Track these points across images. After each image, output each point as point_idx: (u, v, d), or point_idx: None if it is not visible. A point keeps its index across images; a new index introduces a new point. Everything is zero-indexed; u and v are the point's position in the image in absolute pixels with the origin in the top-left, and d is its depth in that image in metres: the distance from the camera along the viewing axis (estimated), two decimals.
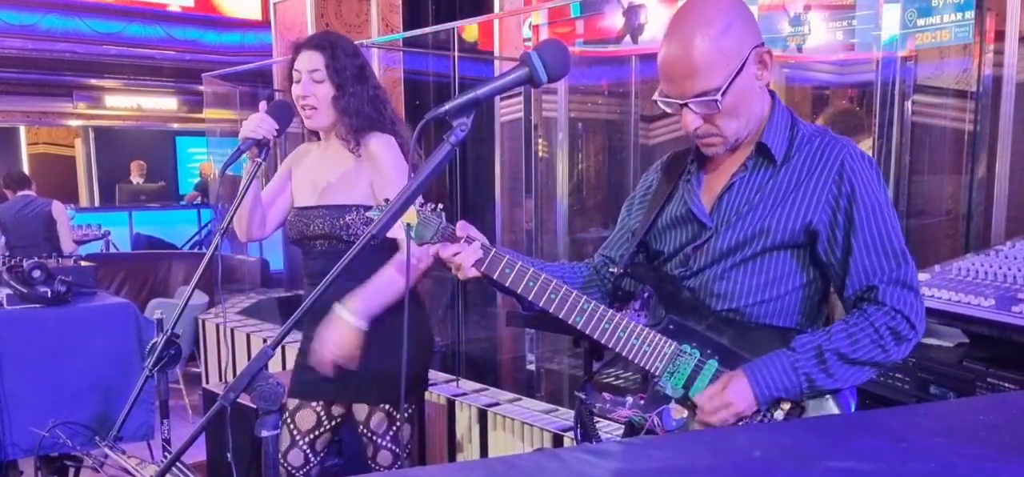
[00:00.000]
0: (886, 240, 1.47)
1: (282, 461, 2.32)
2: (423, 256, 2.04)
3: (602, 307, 1.55)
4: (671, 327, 1.56)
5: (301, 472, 2.33)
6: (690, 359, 1.53)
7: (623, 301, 1.72)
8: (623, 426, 1.64)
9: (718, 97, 1.44)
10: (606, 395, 1.60)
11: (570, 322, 1.55)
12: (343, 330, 2.08)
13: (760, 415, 1.49)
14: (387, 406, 2.23)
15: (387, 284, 2.13)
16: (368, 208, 2.17)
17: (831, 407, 1.50)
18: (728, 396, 1.47)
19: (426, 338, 2.37)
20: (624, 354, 1.55)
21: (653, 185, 1.74)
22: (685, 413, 1.52)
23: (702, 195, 1.60)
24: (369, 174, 2.20)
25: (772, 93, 1.56)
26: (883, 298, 1.46)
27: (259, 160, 2.11)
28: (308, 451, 2.31)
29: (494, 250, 1.56)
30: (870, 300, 1.47)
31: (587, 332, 1.54)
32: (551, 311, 1.55)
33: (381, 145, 2.20)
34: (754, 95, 1.51)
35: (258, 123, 2.11)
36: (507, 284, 1.56)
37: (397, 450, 2.26)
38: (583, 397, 1.62)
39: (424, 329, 2.35)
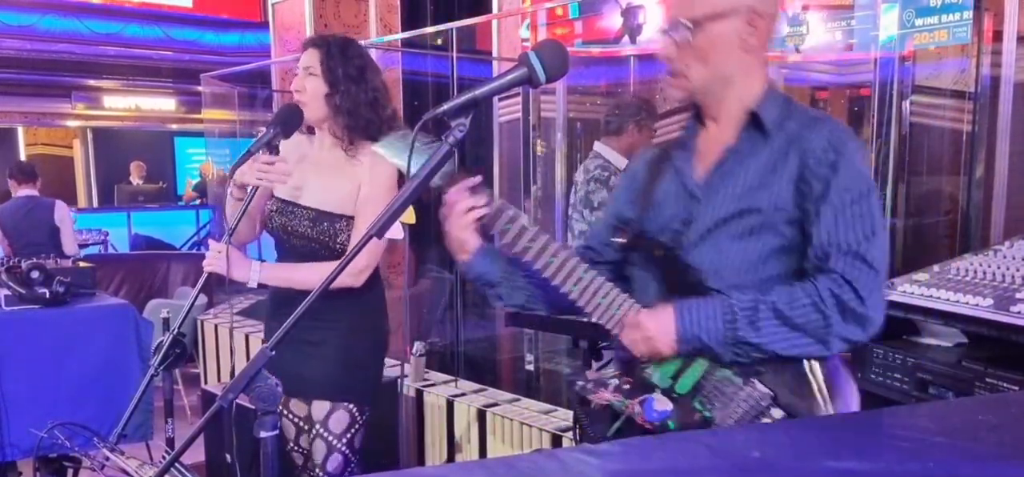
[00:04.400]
0: (854, 212, 1.39)
1: (296, 448, 2.34)
2: (372, 261, 2.18)
3: (600, 279, 1.48)
4: None
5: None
6: None
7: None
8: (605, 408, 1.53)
9: (690, 25, 1.43)
10: (589, 374, 1.53)
11: (564, 290, 1.48)
12: (243, 267, 2.15)
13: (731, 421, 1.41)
14: (351, 405, 2.22)
15: (304, 272, 2.20)
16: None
17: (819, 406, 1.43)
18: (649, 325, 1.43)
19: (385, 333, 2.36)
20: (613, 332, 1.49)
21: (639, 173, 1.69)
22: (669, 406, 1.44)
23: (695, 168, 1.56)
24: (361, 181, 2.19)
25: (770, 81, 1.53)
26: (834, 265, 1.38)
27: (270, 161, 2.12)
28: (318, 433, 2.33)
29: (499, 201, 1.50)
30: (822, 269, 1.40)
31: (581, 304, 1.48)
32: (546, 275, 1.48)
33: (383, 160, 2.20)
34: (732, 55, 1.47)
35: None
36: (506, 239, 1.49)
37: (350, 455, 2.24)
38: (570, 376, 1.58)
39: (383, 323, 2.35)
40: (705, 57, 1.46)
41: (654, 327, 1.43)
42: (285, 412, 2.33)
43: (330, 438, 2.22)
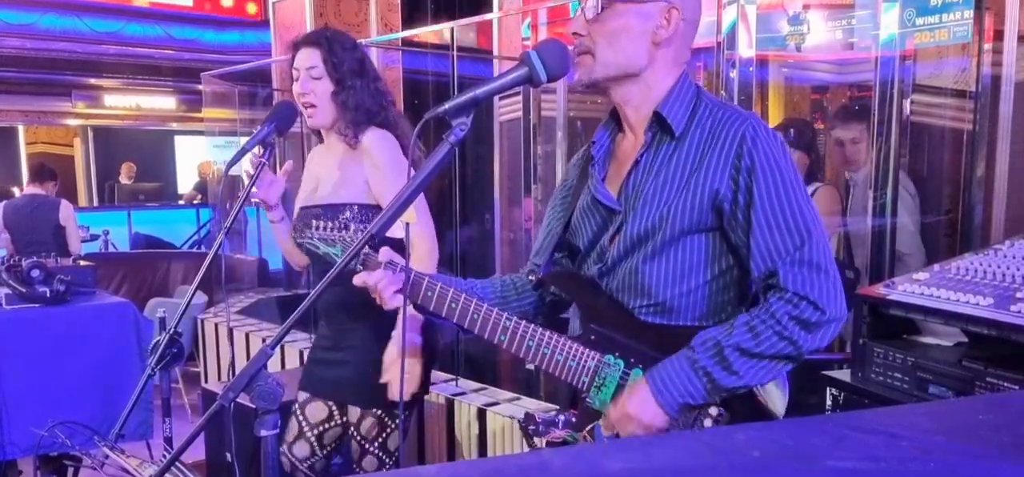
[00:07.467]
0: (786, 215, 1.37)
1: (287, 452, 2.33)
2: (433, 244, 2.13)
3: (523, 323, 1.49)
4: (593, 337, 1.49)
5: (306, 464, 2.33)
6: (615, 371, 1.47)
7: (554, 310, 1.68)
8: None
9: None
10: (538, 415, 1.54)
11: (495, 342, 1.50)
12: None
13: (678, 425, 1.42)
14: (379, 411, 2.21)
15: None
16: (365, 206, 2.17)
17: (774, 401, 1.44)
18: (632, 410, 1.40)
19: (428, 347, 2.30)
20: (550, 371, 1.50)
21: (572, 180, 1.66)
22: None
23: (609, 179, 1.53)
24: (365, 170, 2.18)
25: (684, 72, 1.50)
26: (784, 283, 1.36)
27: (263, 160, 2.11)
28: (315, 444, 2.31)
29: (414, 272, 1.51)
30: (773, 287, 1.38)
31: (513, 351, 1.49)
32: (476, 332, 1.51)
33: (377, 140, 2.17)
34: (642, 44, 1.44)
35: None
36: (431, 307, 1.52)
37: (383, 457, 2.24)
38: (520, 419, 1.57)
39: (427, 337, 2.30)
40: (612, 38, 1.43)
41: (638, 413, 1.41)
42: (298, 414, 2.34)
43: (363, 441, 2.24)
